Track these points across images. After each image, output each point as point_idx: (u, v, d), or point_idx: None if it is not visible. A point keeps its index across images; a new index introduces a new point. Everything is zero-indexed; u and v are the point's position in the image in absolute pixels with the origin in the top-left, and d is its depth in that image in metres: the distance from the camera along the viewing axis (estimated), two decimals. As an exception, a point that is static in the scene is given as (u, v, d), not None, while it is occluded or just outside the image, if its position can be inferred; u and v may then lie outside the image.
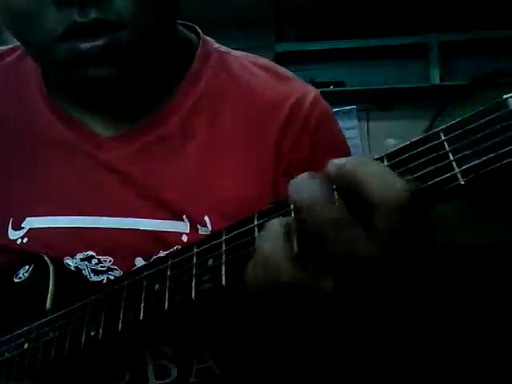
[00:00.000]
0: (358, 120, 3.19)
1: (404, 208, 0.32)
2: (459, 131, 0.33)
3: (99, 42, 0.50)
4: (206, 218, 0.57)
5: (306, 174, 0.34)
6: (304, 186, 0.33)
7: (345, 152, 0.65)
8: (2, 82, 0.66)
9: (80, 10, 0.49)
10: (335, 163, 0.34)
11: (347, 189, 0.33)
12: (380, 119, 3.20)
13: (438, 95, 3.02)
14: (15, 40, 0.68)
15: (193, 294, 0.41)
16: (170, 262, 0.44)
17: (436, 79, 3.15)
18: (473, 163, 0.31)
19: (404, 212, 0.32)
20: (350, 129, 3.13)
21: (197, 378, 0.57)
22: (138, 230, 0.57)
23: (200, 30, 0.67)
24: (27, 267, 0.58)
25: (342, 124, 3.11)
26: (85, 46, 0.50)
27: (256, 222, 0.40)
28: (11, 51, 0.68)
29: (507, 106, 0.31)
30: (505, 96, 0.31)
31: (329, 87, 3.16)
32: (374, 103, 3.25)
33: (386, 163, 0.35)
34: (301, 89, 0.64)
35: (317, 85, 3.01)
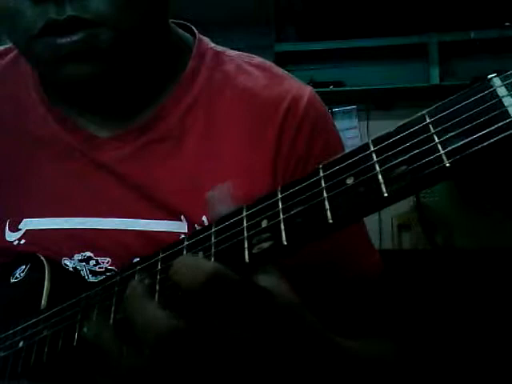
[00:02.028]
0: (358, 120, 3.20)
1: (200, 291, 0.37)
2: (444, 113, 0.33)
3: (76, 37, 0.50)
4: (204, 218, 0.57)
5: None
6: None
7: (340, 149, 0.65)
8: None
9: (56, 7, 0.49)
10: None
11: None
12: (380, 119, 3.19)
13: (438, 95, 3.01)
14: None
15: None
16: (160, 257, 0.44)
17: (436, 79, 3.15)
18: (457, 145, 0.31)
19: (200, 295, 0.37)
20: (350, 129, 3.13)
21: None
22: (136, 230, 0.57)
23: (196, 30, 0.67)
24: (23, 267, 0.58)
25: (342, 124, 3.12)
26: (61, 41, 0.50)
27: (245, 213, 0.40)
28: (7, 52, 0.68)
29: (491, 87, 0.31)
30: (489, 76, 0.31)
31: (329, 87, 3.16)
32: (373, 103, 3.24)
33: (372, 148, 0.35)
34: (296, 88, 0.64)
35: (317, 85, 3.01)
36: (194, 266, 0.37)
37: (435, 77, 3.16)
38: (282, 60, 3.07)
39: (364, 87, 3.18)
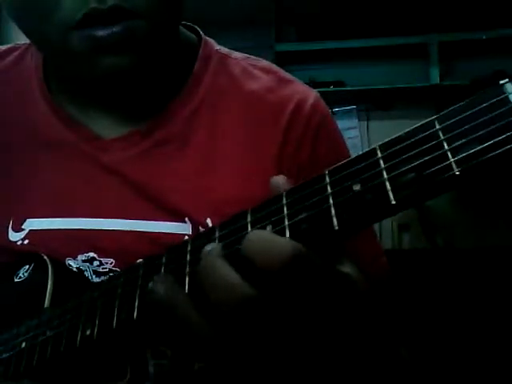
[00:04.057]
0: (358, 120, 3.20)
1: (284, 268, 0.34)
2: (454, 119, 0.32)
3: (116, 29, 0.50)
4: (208, 220, 0.57)
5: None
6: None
7: (344, 152, 0.65)
8: (1, 82, 0.66)
9: None
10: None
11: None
12: (380, 119, 3.20)
13: (438, 95, 3.02)
14: (15, 39, 0.68)
15: (186, 292, 0.40)
16: (163, 260, 0.44)
17: (436, 79, 3.15)
18: (468, 152, 0.30)
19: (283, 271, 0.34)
20: (350, 129, 3.13)
21: (197, 378, 0.56)
22: (140, 231, 0.57)
23: (201, 31, 0.67)
24: (27, 267, 0.58)
25: (342, 124, 3.12)
26: (102, 33, 0.50)
27: (249, 219, 0.40)
28: (10, 51, 0.68)
29: (504, 93, 0.30)
30: (501, 82, 0.30)
31: (329, 87, 3.16)
32: (373, 103, 3.25)
33: (379, 154, 0.34)
34: (301, 91, 0.64)
35: (317, 85, 3.01)
36: (271, 244, 0.35)
37: (435, 77, 3.16)
38: (282, 60, 3.07)
39: (364, 87, 3.18)
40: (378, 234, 2.91)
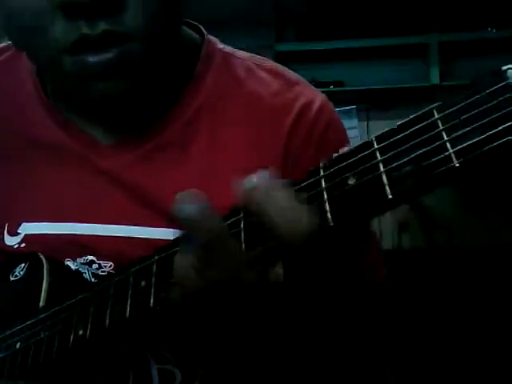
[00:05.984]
0: (358, 120, 3.20)
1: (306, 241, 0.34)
2: (454, 108, 0.30)
3: (109, 55, 0.48)
4: None
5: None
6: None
7: None
8: None
9: (88, 22, 0.47)
10: (246, 187, 0.37)
11: (254, 216, 0.36)
12: (380, 119, 3.20)
13: (438, 95, 3.02)
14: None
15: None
16: (155, 258, 0.44)
17: (436, 79, 3.16)
18: (468, 143, 0.28)
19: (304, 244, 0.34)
20: (350, 129, 3.13)
21: (202, 382, 0.56)
22: (138, 238, 0.56)
23: (204, 30, 0.65)
24: (23, 265, 0.57)
25: (342, 124, 3.12)
26: (94, 59, 0.48)
27: (242, 214, 0.39)
28: (2, 51, 0.67)
29: (506, 79, 0.29)
30: (503, 68, 0.29)
31: (329, 87, 3.17)
32: (373, 103, 3.25)
33: (375, 146, 0.33)
34: (308, 94, 0.61)
35: (317, 85, 3.01)
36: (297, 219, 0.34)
37: (435, 77, 3.16)
38: (282, 60, 3.07)
39: (364, 87, 3.19)
40: (378, 234, 2.91)
